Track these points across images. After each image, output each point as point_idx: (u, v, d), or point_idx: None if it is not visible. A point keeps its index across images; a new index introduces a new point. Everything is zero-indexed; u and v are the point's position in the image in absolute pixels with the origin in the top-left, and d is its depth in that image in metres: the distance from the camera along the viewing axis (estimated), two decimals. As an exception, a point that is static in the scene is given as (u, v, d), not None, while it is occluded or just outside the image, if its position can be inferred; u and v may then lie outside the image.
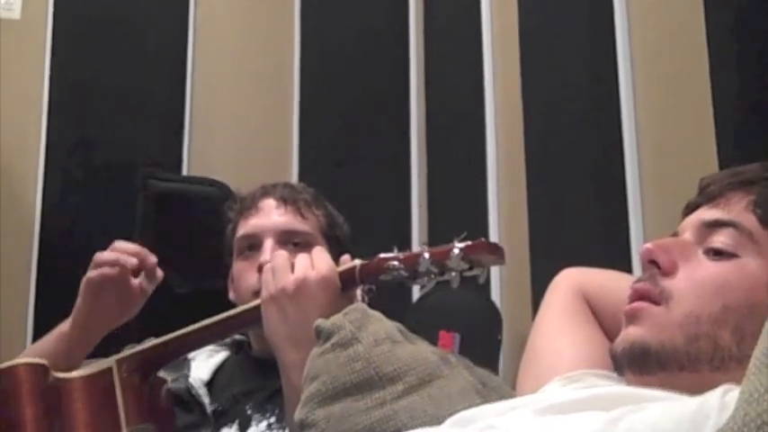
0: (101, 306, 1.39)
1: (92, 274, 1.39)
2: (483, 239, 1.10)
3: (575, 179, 1.92)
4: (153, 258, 1.41)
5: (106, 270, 1.38)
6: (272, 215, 1.49)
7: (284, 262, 1.17)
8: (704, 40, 1.56)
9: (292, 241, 1.45)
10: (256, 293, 1.40)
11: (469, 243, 1.08)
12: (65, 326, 1.43)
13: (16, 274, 2.62)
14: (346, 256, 1.23)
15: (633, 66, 1.81)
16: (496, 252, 1.10)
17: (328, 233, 1.52)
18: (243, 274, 1.48)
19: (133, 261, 1.39)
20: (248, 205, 1.53)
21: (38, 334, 1.50)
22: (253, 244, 1.48)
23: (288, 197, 1.51)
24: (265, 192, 1.54)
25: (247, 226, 1.50)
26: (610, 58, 1.83)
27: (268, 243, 1.45)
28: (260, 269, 1.42)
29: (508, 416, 0.80)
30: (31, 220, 2.67)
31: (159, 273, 1.43)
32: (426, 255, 1.09)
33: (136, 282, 1.41)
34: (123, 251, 1.40)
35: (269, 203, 1.51)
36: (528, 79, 2.12)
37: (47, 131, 2.71)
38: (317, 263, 1.16)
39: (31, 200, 2.68)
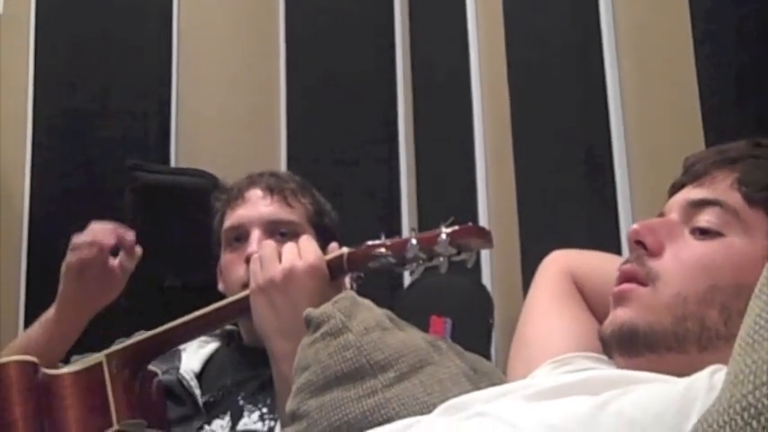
0: (83, 289, 1.40)
1: (71, 258, 1.40)
2: (470, 224, 1.10)
3: (563, 162, 1.92)
4: (130, 235, 1.42)
5: (84, 253, 1.39)
6: (258, 205, 1.48)
7: (272, 252, 1.16)
8: (688, 20, 1.56)
9: (279, 231, 1.45)
10: (245, 285, 1.40)
11: (457, 228, 1.08)
12: (50, 313, 1.43)
13: (6, 269, 2.61)
14: (334, 245, 1.22)
15: (618, 48, 1.81)
16: (484, 236, 1.10)
17: (316, 221, 1.51)
18: (231, 265, 1.47)
19: (110, 241, 1.40)
20: (235, 195, 1.52)
21: (29, 324, 1.50)
22: (240, 235, 1.47)
23: (274, 186, 1.50)
24: (251, 182, 1.53)
25: (234, 217, 1.49)
26: (595, 41, 1.82)
27: (255, 234, 1.44)
28: (248, 260, 1.41)
29: (497, 402, 0.80)
30: (19, 214, 2.66)
31: (138, 249, 1.44)
32: (414, 241, 1.09)
33: (115, 261, 1.42)
34: (99, 231, 1.41)
35: (255, 193, 1.50)
36: (514, 63, 2.11)
37: (32, 126, 2.69)
38: (305, 252, 1.15)
39: (19, 195, 2.67)
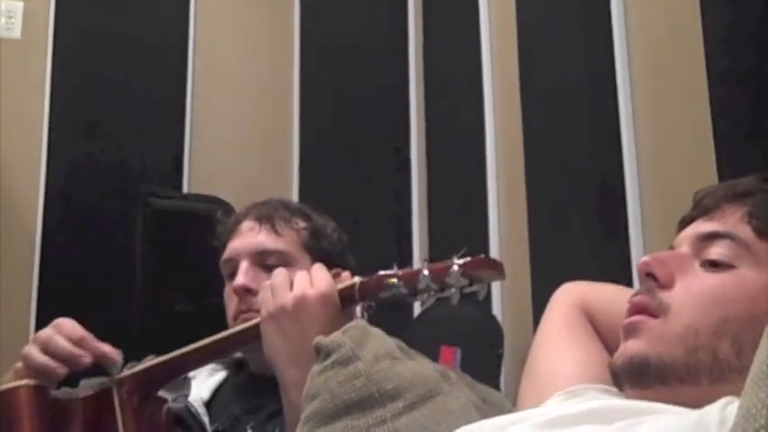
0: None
1: (22, 371, 1.28)
2: (483, 255, 1.10)
3: (575, 194, 1.92)
4: (102, 350, 1.27)
5: (34, 373, 1.27)
6: (247, 236, 1.48)
7: (283, 279, 1.17)
8: (703, 58, 1.56)
9: (266, 262, 1.43)
10: (235, 319, 1.40)
11: (469, 259, 1.08)
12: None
13: (17, 291, 2.62)
14: (346, 274, 1.22)
15: (632, 81, 1.82)
16: (496, 267, 1.10)
17: (311, 245, 1.49)
18: (227, 299, 1.47)
19: (63, 372, 1.26)
20: (231, 228, 1.52)
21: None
22: (233, 268, 1.47)
23: (263, 215, 1.49)
24: (246, 212, 1.52)
25: (228, 250, 1.49)
26: (609, 73, 1.83)
27: (243, 266, 1.44)
28: (236, 293, 1.42)
29: (509, 430, 0.80)
30: (32, 238, 2.67)
31: (117, 359, 1.29)
32: (426, 271, 1.09)
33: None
34: (62, 352, 1.26)
35: (247, 225, 1.49)
36: (527, 95, 2.12)
37: (47, 150, 2.72)
38: (317, 280, 1.15)
39: (32, 218, 2.68)
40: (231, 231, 1.51)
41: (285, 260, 1.42)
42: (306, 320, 1.11)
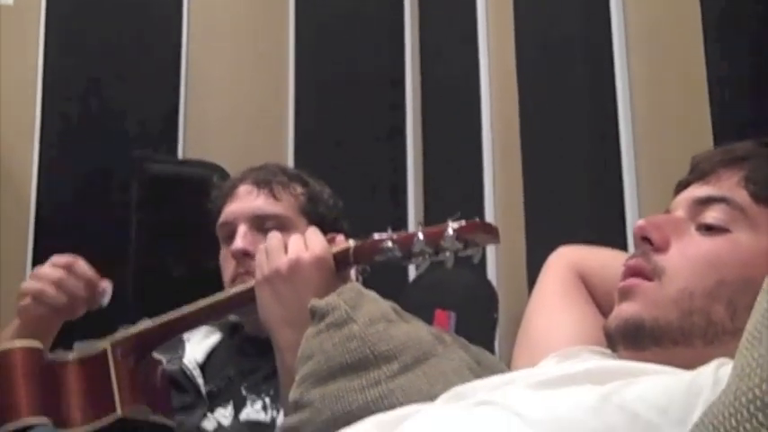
0: (41, 327, 1.35)
1: (32, 309, 1.33)
2: (477, 219, 1.10)
3: (570, 157, 1.92)
4: (102, 286, 1.35)
5: (46, 312, 1.33)
6: (245, 200, 1.48)
7: (278, 243, 1.17)
8: (699, 18, 1.55)
9: (265, 226, 1.44)
10: (233, 282, 1.41)
11: (464, 223, 1.08)
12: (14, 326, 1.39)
13: (12, 258, 2.62)
14: (340, 237, 1.22)
15: (628, 46, 1.80)
16: (491, 231, 1.10)
17: (308, 210, 1.50)
18: (224, 262, 1.48)
19: (63, 300, 1.32)
20: (227, 192, 1.52)
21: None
22: (230, 231, 1.47)
23: (261, 180, 1.50)
24: (242, 177, 1.53)
25: (225, 213, 1.50)
26: (605, 39, 1.82)
27: (241, 229, 1.44)
28: (234, 256, 1.42)
29: (502, 390, 0.80)
30: (27, 205, 2.66)
31: (105, 299, 1.36)
32: (421, 235, 1.09)
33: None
34: (71, 291, 1.33)
35: (244, 188, 1.50)
36: (523, 61, 2.11)
37: (41, 118, 2.70)
38: (311, 243, 1.15)
39: (27, 184, 2.67)
40: (228, 195, 1.51)
41: (283, 224, 1.43)
42: (300, 283, 1.12)
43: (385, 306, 1.02)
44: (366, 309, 0.99)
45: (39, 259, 2.62)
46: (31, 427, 1.16)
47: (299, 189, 1.51)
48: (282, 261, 1.14)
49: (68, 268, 1.34)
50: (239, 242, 1.42)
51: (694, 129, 1.56)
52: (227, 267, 1.45)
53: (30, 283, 1.35)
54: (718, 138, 1.46)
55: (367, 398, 0.90)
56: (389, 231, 1.13)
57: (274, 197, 1.48)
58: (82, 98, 2.73)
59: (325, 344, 0.97)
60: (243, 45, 2.84)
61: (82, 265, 1.35)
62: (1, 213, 2.67)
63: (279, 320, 1.14)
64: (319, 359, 0.96)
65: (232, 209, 1.48)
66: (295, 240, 1.16)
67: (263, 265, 1.16)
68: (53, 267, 1.34)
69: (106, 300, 1.35)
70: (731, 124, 1.48)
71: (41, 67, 2.72)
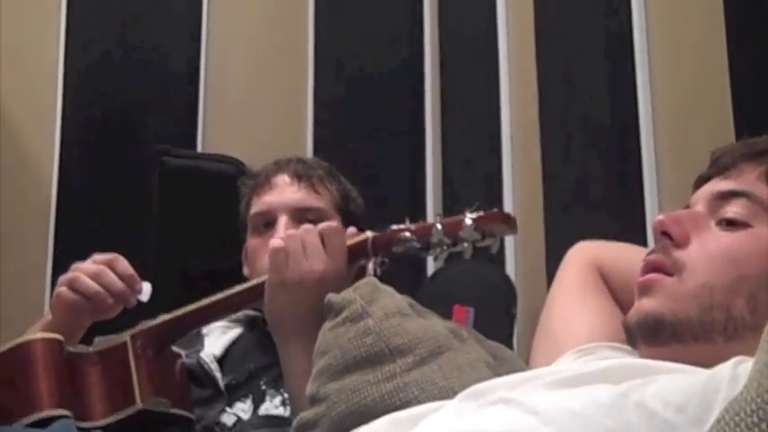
0: (70, 321, 1.34)
1: (66, 296, 1.32)
2: (495, 209, 1.10)
3: (590, 152, 1.90)
4: (139, 287, 1.34)
5: (79, 300, 1.32)
6: (285, 192, 1.48)
7: (299, 248, 1.16)
8: (721, 8, 1.54)
9: (306, 218, 1.44)
10: None
11: (482, 213, 1.08)
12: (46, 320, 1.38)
13: (33, 251, 2.64)
14: (351, 229, 1.22)
15: (649, 33, 1.79)
16: (509, 222, 1.10)
17: (343, 207, 1.51)
18: (257, 252, 1.47)
19: (110, 301, 1.31)
20: (262, 182, 1.52)
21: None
22: (267, 221, 1.47)
23: (301, 173, 1.50)
24: (279, 167, 1.53)
25: (261, 203, 1.49)
26: (626, 22, 1.80)
27: (282, 220, 1.44)
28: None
29: (520, 389, 0.80)
30: (48, 197, 2.68)
31: (144, 298, 1.35)
32: (439, 225, 1.10)
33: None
34: (108, 283, 1.31)
35: (283, 179, 1.50)
36: (542, 46, 2.10)
37: (62, 113, 2.72)
38: (333, 254, 1.15)
39: (48, 177, 2.69)
40: (262, 186, 1.51)
41: (322, 218, 1.42)
42: (319, 296, 1.10)
43: (400, 301, 1.02)
44: (381, 303, 0.99)
45: (59, 253, 2.65)
46: (51, 419, 1.17)
47: (335, 185, 1.52)
48: (305, 272, 1.14)
49: (108, 264, 1.34)
50: (282, 233, 1.40)
51: (716, 122, 1.55)
52: (263, 257, 1.44)
53: (67, 274, 1.35)
54: (740, 132, 1.44)
55: (382, 391, 0.90)
56: (407, 222, 1.13)
57: (315, 191, 1.49)
58: (103, 92, 2.74)
59: (340, 338, 0.97)
60: (262, 39, 2.84)
61: (122, 263, 1.34)
62: (22, 207, 2.69)
63: (290, 328, 1.15)
64: (335, 354, 0.96)
65: (271, 199, 1.48)
66: (316, 250, 1.15)
67: (282, 270, 1.16)
68: (93, 263, 1.34)
69: (145, 298, 1.34)
70: (753, 116, 1.47)
71: (62, 58, 2.74)
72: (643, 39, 1.79)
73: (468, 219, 1.07)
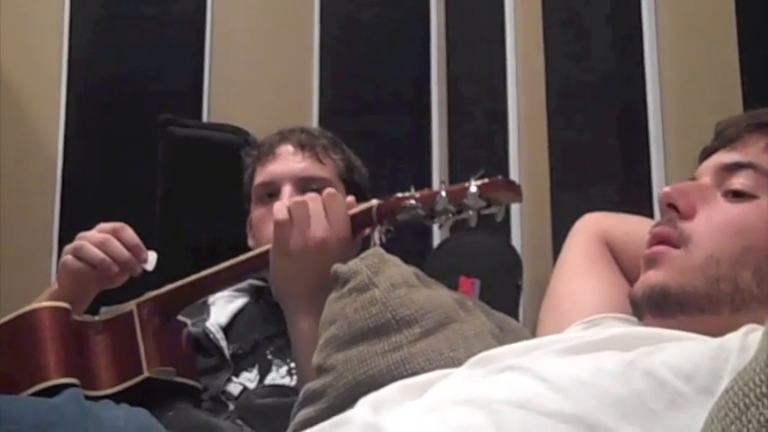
0: (76, 289, 1.34)
1: (72, 264, 1.32)
2: (499, 177, 1.09)
3: (596, 122, 1.90)
4: (144, 256, 1.34)
5: (85, 268, 1.32)
6: (289, 161, 1.48)
7: (303, 215, 1.16)
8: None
9: (310, 187, 1.44)
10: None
11: (487, 180, 1.08)
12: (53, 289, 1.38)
13: (39, 221, 2.65)
14: (350, 198, 1.22)
15: (657, 6, 1.77)
16: (514, 189, 1.10)
17: (347, 177, 1.51)
18: (262, 221, 1.47)
19: (115, 269, 1.31)
20: (266, 151, 1.51)
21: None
22: (271, 191, 1.47)
23: (305, 142, 1.50)
24: (283, 137, 1.52)
25: (265, 173, 1.49)
26: (632, 1, 1.79)
27: (286, 189, 1.44)
28: None
29: (528, 356, 0.80)
30: (54, 167, 2.69)
31: (149, 267, 1.35)
32: (443, 193, 1.09)
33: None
34: (113, 251, 1.31)
35: (287, 149, 1.49)
36: (549, 18, 2.08)
37: (67, 82, 2.71)
38: (335, 222, 1.15)
39: (53, 147, 2.70)
40: (267, 155, 1.50)
41: (327, 188, 1.42)
42: (326, 263, 1.11)
43: (407, 271, 1.02)
44: (388, 274, 0.99)
45: (65, 223, 2.66)
46: (58, 387, 1.17)
47: (339, 155, 1.51)
48: (309, 239, 1.14)
49: (114, 233, 1.34)
50: (287, 202, 1.40)
51: (723, 94, 1.54)
52: (267, 226, 1.43)
53: (72, 243, 1.35)
54: (748, 104, 1.43)
55: (389, 362, 0.90)
56: (412, 190, 1.13)
57: (319, 160, 1.48)
58: (107, 61, 2.73)
59: (347, 309, 0.97)
60: (268, 8, 2.83)
61: (128, 231, 1.34)
62: (28, 178, 2.70)
63: (296, 290, 1.15)
64: (341, 324, 0.96)
65: (275, 169, 1.48)
66: (318, 218, 1.15)
67: (286, 237, 1.16)
68: (98, 231, 1.34)
69: (150, 267, 1.34)
70: (761, 87, 1.46)
71: (68, 28, 2.73)
72: (651, 12, 1.78)
73: (473, 186, 1.07)
